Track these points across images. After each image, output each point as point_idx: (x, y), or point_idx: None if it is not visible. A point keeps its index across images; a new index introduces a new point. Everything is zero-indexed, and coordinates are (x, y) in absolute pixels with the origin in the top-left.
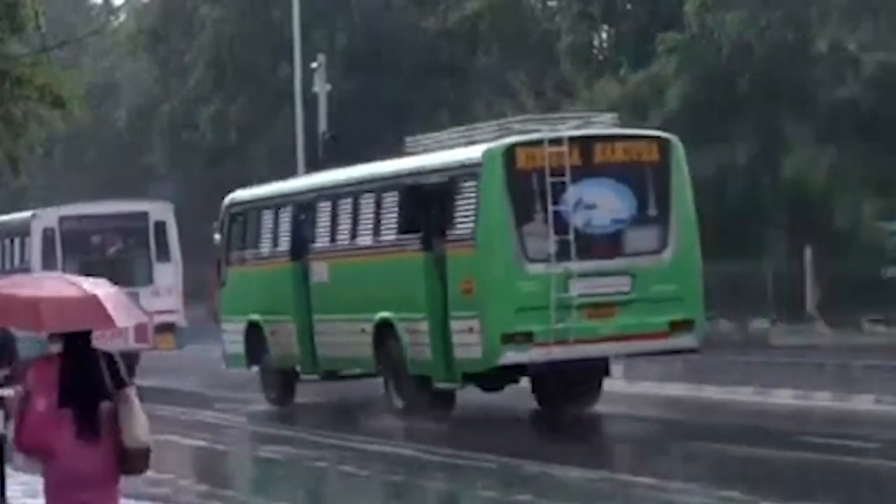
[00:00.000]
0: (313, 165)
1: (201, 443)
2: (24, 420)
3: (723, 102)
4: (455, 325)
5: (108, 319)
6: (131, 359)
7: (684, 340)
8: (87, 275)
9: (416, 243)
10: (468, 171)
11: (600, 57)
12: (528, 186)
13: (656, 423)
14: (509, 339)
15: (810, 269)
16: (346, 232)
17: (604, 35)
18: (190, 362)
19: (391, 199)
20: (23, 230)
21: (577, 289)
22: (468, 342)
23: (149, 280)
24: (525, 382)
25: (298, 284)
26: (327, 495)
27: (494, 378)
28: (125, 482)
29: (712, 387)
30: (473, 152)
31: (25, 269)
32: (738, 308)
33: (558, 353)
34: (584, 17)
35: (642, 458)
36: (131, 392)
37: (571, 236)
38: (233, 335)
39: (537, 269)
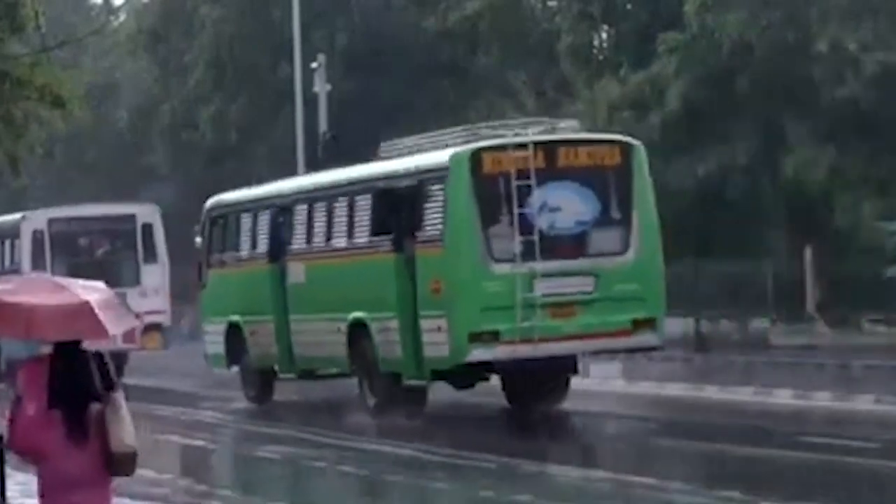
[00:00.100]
0: (313, 165)
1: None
2: (15, 422)
3: (723, 102)
4: (424, 323)
5: (101, 329)
6: (120, 359)
7: (647, 338)
8: (76, 276)
9: (387, 245)
10: (436, 174)
11: (600, 57)
12: (494, 189)
13: (656, 424)
14: (476, 337)
15: (810, 269)
16: (321, 234)
17: (604, 35)
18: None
19: (364, 203)
20: (13, 232)
21: (541, 288)
22: (437, 340)
23: (136, 281)
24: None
25: (276, 286)
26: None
27: (463, 376)
28: (123, 482)
29: (712, 387)
30: (441, 157)
31: (15, 270)
32: (738, 308)
33: (524, 351)
34: (584, 17)
35: (642, 459)
36: (118, 396)
37: (536, 237)
38: (213, 336)
39: (503, 269)
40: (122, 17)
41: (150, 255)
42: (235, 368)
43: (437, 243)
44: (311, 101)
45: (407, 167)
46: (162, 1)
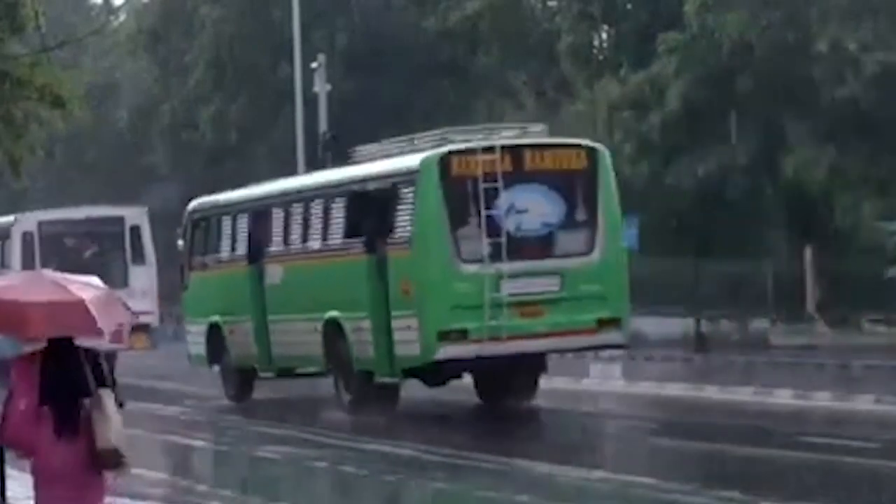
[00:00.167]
0: (313, 165)
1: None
2: (7, 417)
3: (723, 102)
4: (395, 323)
5: (95, 327)
6: (111, 359)
7: (612, 337)
8: None
9: (360, 247)
10: (407, 178)
11: (600, 57)
12: (462, 192)
13: (656, 424)
14: (445, 336)
15: (810, 269)
16: (298, 237)
17: (604, 35)
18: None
19: (338, 206)
20: (4, 234)
21: (508, 288)
22: (407, 339)
23: (124, 283)
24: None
25: (255, 287)
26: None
27: (434, 373)
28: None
29: (712, 387)
30: (412, 160)
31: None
32: (738, 308)
33: (492, 349)
34: (584, 17)
35: (642, 459)
36: (105, 393)
37: (503, 239)
38: (195, 336)
39: (471, 269)
40: (122, 17)
41: (139, 257)
42: (216, 367)
43: (408, 245)
44: (311, 101)
45: (379, 171)
46: (162, 1)
